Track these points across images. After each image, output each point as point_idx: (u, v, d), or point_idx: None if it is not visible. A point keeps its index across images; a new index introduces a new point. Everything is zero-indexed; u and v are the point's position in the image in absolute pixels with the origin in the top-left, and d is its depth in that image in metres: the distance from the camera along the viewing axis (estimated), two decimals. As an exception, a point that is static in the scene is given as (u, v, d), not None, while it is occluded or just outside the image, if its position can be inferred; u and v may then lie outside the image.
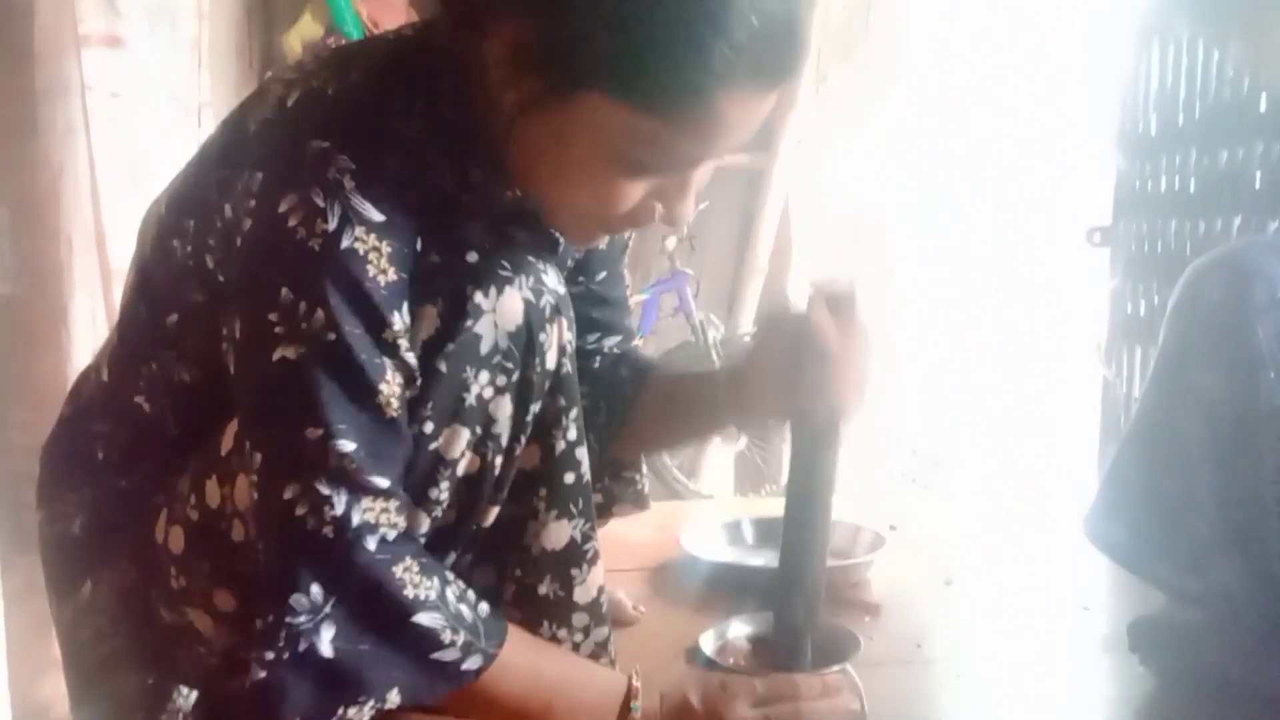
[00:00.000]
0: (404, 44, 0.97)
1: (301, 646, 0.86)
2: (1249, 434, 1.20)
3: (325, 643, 0.86)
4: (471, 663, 0.91)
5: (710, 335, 3.47)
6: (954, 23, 3.37)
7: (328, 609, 0.86)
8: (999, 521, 2.02)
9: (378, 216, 0.85)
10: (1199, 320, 1.26)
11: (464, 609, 0.91)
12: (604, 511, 1.31)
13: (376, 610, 0.88)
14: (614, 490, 1.30)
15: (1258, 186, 1.69)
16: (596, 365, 1.24)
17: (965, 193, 3.24)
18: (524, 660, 0.95)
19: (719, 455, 3.63)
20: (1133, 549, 1.36)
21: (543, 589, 1.02)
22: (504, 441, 0.95)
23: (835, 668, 1.04)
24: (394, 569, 0.88)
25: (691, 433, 1.26)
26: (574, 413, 1.00)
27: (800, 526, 1.06)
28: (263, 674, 0.86)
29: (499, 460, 0.95)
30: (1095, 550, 1.42)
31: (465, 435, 0.92)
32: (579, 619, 1.04)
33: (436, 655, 0.89)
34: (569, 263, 1.18)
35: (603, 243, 1.15)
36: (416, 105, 0.91)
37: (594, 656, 1.05)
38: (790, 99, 3.66)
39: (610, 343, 1.27)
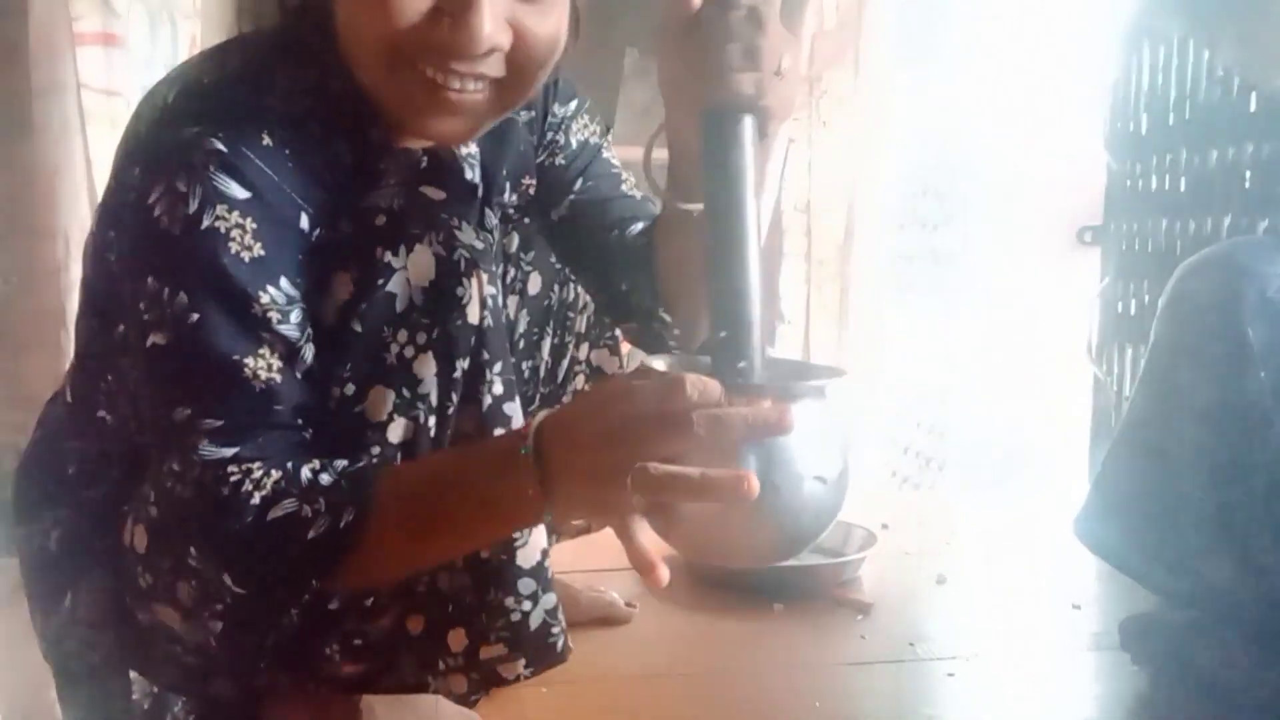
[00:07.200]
0: (287, 26, 0.99)
1: (218, 607, 0.89)
2: (1239, 434, 1.20)
3: (232, 595, 0.88)
4: (349, 515, 0.87)
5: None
6: (945, 24, 3.37)
7: (222, 573, 0.87)
8: (991, 520, 2.03)
9: (242, 194, 0.86)
10: (1190, 320, 1.27)
11: (324, 478, 0.88)
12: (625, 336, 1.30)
13: (266, 565, 0.87)
14: (639, 328, 1.24)
15: (1248, 186, 1.69)
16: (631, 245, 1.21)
17: (956, 192, 3.24)
18: (406, 474, 0.92)
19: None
20: (1123, 548, 1.37)
21: (484, 553, 0.98)
22: (434, 401, 0.93)
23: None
24: (268, 516, 0.86)
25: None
26: (498, 367, 0.96)
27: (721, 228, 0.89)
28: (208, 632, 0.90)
29: (433, 421, 0.93)
30: (1086, 550, 1.43)
31: (390, 396, 0.91)
32: (525, 585, 0.98)
33: (314, 537, 0.86)
34: (562, 207, 1.21)
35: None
36: (303, 82, 0.94)
37: (545, 625, 1.00)
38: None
39: (635, 228, 1.22)
